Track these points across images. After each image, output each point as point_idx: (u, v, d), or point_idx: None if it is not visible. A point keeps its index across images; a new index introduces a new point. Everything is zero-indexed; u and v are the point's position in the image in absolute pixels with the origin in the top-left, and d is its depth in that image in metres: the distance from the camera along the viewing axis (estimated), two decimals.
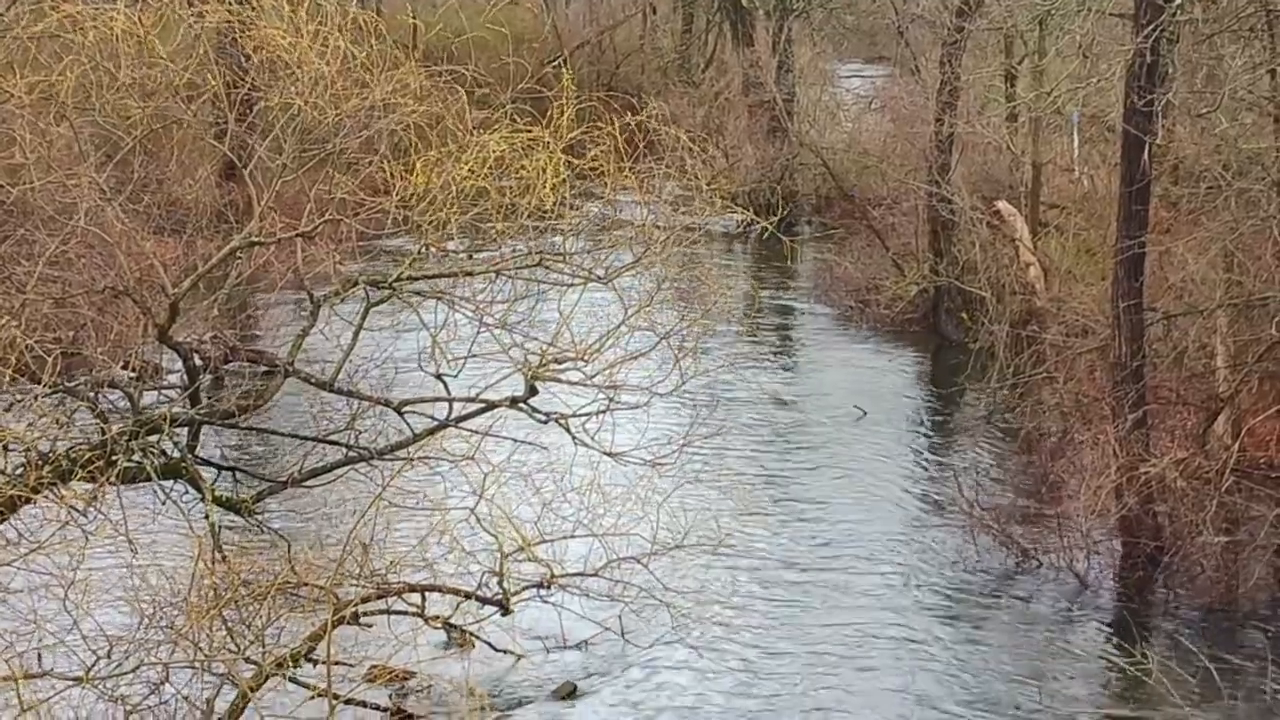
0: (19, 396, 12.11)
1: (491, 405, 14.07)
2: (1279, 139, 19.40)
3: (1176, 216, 22.82)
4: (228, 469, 14.51)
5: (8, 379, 11.50)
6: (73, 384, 12.68)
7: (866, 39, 60.60)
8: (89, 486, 12.04)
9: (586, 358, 14.02)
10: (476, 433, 14.22)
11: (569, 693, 14.90)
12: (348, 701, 13.23)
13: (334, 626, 12.85)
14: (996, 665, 15.62)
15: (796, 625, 16.47)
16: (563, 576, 15.25)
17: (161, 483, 12.97)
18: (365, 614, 13.91)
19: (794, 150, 38.85)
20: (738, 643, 16.00)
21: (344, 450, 13.95)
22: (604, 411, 14.46)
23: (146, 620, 12.74)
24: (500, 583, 14.84)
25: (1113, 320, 18.01)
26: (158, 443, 12.83)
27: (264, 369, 22.08)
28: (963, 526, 18.66)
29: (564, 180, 13.61)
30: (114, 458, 12.18)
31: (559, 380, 14.22)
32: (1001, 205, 28.35)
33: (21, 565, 11.81)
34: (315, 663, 13.15)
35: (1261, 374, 20.06)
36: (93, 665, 12.09)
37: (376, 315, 13.98)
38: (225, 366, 22.98)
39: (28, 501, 11.81)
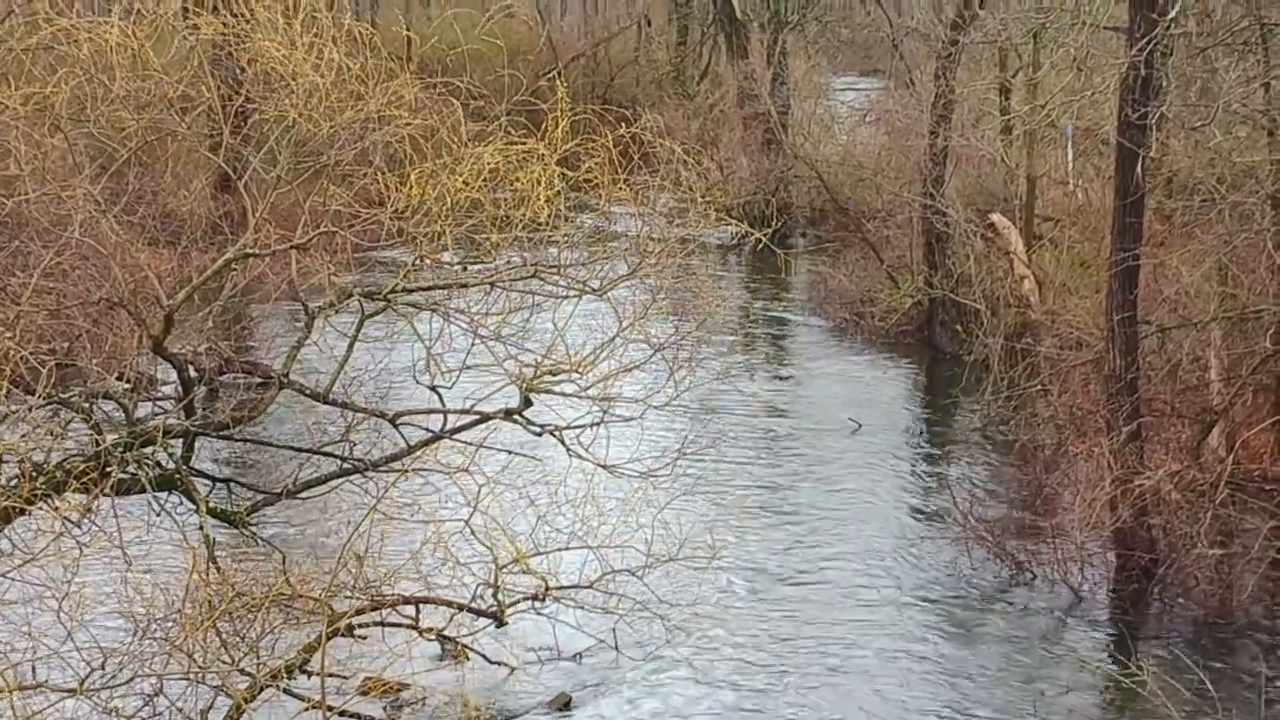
0: (13, 407, 12.11)
1: (486, 417, 14.08)
2: (1273, 152, 19.42)
3: (1170, 230, 22.82)
4: (222, 480, 14.52)
5: (2, 390, 11.49)
6: (67, 395, 12.69)
7: (861, 52, 60.92)
8: (83, 498, 12.04)
9: (581, 370, 14.03)
10: (471, 444, 14.22)
11: (564, 705, 14.89)
12: (342, 713, 13.19)
13: (328, 638, 12.81)
14: (991, 678, 15.60)
15: (791, 637, 16.45)
16: (557, 589, 15.25)
17: (156, 494, 12.98)
18: (359, 626, 13.89)
19: (788, 163, 38.88)
20: (732, 655, 15.98)
21: (338, 462, 13.98)
22: (598, 423, 14.47)
23: (141, 632, 12.72)
24: (495, 595, 14.84)
25: (1107, 333, 18.00)
26: (152, 454, 12.84)
27: (259, 380, 22.06)
28: (957, 539, 18.66)
29: (559, 192, 13.64)
30: (108, 469, 12.19)
31: (553, 392, 14.24)
32: (996, 218, 28.36)
33: (16, 576, 11.79)
34: (309, 674, 13.12)
35: (1255, 386, 20.09)
36: (87, 677, 12.06)
37: (371, 327, 14.00)
38: (220, 378, 22.95)
39: (22, 513, 11.82)
